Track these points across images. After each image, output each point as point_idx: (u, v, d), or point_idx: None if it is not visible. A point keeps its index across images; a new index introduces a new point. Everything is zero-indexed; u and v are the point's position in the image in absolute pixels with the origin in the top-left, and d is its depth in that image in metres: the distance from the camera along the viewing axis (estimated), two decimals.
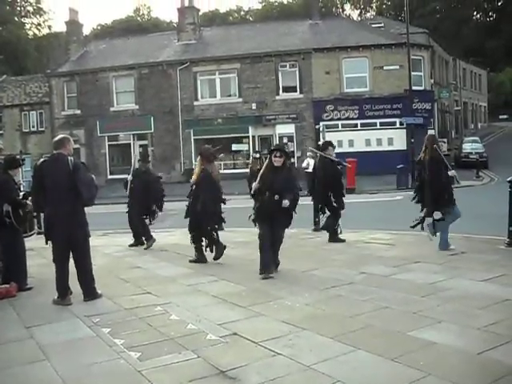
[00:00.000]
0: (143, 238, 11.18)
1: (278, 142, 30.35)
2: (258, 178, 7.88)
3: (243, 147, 33.78)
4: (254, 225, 8.05)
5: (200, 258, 9.11)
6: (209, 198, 8.93)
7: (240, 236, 11.88)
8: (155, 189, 11.17)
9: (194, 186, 9.21)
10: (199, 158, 9.46)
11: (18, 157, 8.27)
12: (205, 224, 9.00)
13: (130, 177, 11.08)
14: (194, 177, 9.30)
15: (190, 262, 9.08)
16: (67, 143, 6.82)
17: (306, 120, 32.68)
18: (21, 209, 7.34)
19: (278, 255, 8.04)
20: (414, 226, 9.36)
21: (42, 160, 6.84)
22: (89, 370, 4.51)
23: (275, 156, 7.86)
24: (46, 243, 6.78)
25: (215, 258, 9.01)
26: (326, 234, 11.66)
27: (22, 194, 7.60)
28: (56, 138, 6.96)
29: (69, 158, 6.62)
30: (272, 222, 7.74)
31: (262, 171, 7.98)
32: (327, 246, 10.42)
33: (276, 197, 7.63)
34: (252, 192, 8.03)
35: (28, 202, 7.32)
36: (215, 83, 34.21)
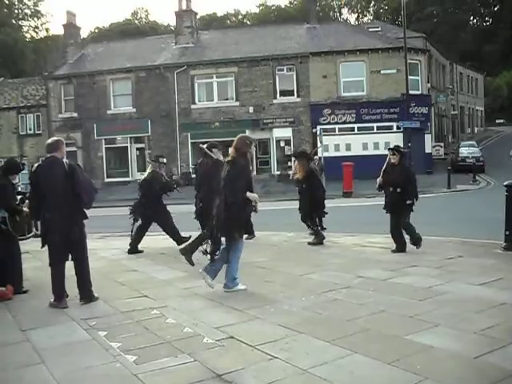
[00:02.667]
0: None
1: (275, 146, 30.46)
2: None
3: None
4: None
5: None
6: None
7: None
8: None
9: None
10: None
11: (18, 161, 8.18)
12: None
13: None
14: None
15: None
16: (61, 146, 6.79)
17: (303, 124, 32.72)
18: (17, 215, 7.27)
19: None
20: None
21: (36, 165, 6.79)
22: (85, 374, 4.49)
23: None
24: (42, 247, 6.76)
25: None
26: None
27: (19, 197, 7.53)
28: (49, 141, 6.90)
29: (64, 160, 6.60)
30: None
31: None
32: (324, 249, 10.41)
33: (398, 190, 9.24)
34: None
35: (24, 208, 7.26)
36: (212, 87, 34.24)
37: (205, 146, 10.55)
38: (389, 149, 9.74)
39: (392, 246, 10.02)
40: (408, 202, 9.28)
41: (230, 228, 6.93)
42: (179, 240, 10.47)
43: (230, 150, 7.17)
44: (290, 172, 10.75)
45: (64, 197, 6.45)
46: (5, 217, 7.13)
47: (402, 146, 29.57)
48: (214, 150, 10.37)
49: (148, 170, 11.36)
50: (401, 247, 9.52)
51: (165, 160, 11.67)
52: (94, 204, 6.88)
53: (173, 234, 10.84)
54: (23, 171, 8.08)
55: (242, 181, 6.91)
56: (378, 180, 9.62)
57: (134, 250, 10.82)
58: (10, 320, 6.25)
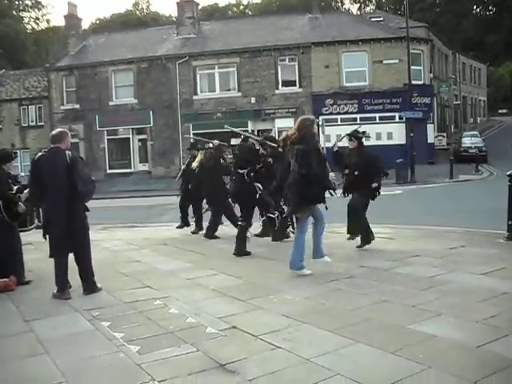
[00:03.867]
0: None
1: (277, 136, 30.35)
2: None
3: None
4: None
5: None
6: None
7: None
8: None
9: None
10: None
11: (9, 149, 8.16)
12: None
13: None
14: None
15: None
16: (65, 137, 6.80)
17: (305, 114, 32.54)
18: (13, 204, 7.26)
19: None
20: None
21: (39, 154, 6.79)
22: (88, 364, 4.51)
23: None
24: (44, 237, 6.77)
25: None
26: (326, 229, 11.67)
27: (15, 187, 7.50)
28: (54, 132, 6.92)
29: (67, 152, 6.60)
30: None
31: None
32: (327, 239, 10.38)
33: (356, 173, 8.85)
34: None
35: (22, 195, 7.25)
36: (214, 77, 34.17)
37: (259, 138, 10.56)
38: (347, 134, 9.45)
39: (395, 237, 10.04)
40: (373, 185, 8.94)
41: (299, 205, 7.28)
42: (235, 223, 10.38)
43: (291, 132, 7.45)
44: None
45: (65, 188, 6.45)
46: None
47: (405, 135, 29.85)
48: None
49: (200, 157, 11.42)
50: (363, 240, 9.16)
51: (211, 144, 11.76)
52: (95, 195, 6.89)
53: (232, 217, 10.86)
54: (25, 163, 8.09)
55: (315, 158, 7.17)
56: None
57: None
58: (14, 311, 6.27)
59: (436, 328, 4.96)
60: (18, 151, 11.62)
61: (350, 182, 9.09)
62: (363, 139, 9.22)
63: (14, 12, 64.19)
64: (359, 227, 9.06)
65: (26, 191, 7.24)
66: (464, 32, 66.34)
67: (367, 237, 9.13)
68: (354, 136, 9.23)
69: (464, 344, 4.59)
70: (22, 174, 9.56)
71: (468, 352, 4.43)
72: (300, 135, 7.23)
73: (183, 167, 12.18)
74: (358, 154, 9.09)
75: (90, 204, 6.86)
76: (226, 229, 11.64)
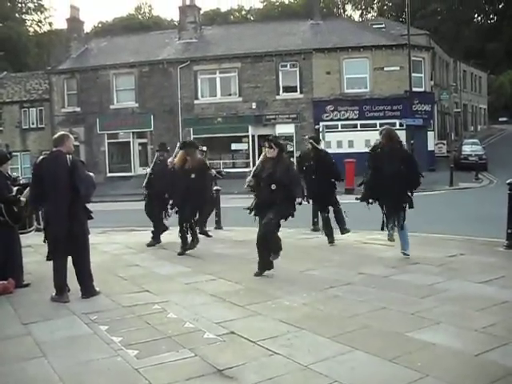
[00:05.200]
0: None
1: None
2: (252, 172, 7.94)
3: (243, 146, 33.80)
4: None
5: None
6: None
7: (238, 235, 11.89)
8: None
9: None
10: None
11: (4, 150, 8.14)
12: None
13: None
14: None
15: None
16: (66, 140, 6.81)
17: (305, 120, 32.68)
18: (14, 205, 7.26)
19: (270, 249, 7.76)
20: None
21: (41, 157, 6.81)
22: (86, 368, 4.50)
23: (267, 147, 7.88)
24: (44, 241, 6.77)
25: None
26: (322, 236, 11.69)
27: (15, 189, 7.49)
28: (55, 136, 6.94)
29: (67, 155, 6.61)
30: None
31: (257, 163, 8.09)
32: (325, 246, 10.41)
33: (273, 186, 7.59)
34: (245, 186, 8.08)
35: (22, 198, 7.25)
36: (215, 82, 34.21)
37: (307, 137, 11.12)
38: (265, 140, 8.14)
39: (394, 244, 10.02)
40: (297, 200, 7.84)
41: None
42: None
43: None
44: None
45: (65, 191, 6.46)
46: (1, 207, 7.11)
47: (405, 142, 29.84)
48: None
49: None
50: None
51: (205, 148, 11.83)
52: (95, 198, 6.90)
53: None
54: (26, 165, 8.09)
55: None
56: (248, 180, 8.03)
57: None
58: (12, 313, 6.26)
59: (435, 336, 4.96)
60: (16, 153, 11.61)
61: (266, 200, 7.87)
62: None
63: (17, 14, 64.28)
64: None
65: (26, 191, 7.24)
66: (465, 40, 66.44)
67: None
68: (274, 142, 7.91)
69: (463, 352, 4.59)
70: (20, 177, 9.51)
71: (467, 360, 4.43)
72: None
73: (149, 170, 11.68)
74: (277, 164, 7.81)
75: (89, 207, 6.86)
76: (226, 233, 11.66)
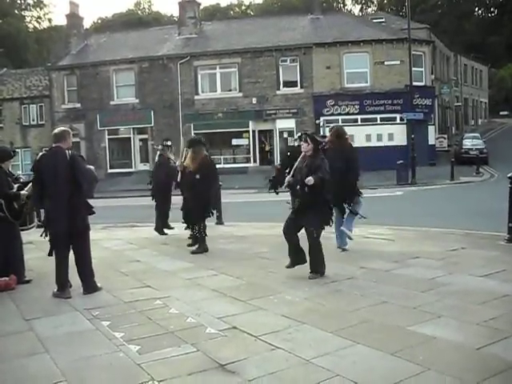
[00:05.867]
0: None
1: (278, 137, 30.53)
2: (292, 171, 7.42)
3: (243, 142, 33.79)
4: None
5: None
6: None
7: (239, 230, 11.89)
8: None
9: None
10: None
11: (8, 148, 8.14)
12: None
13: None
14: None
15: None
16: (68, 136, 6.82)
17: (306, 115, 32.65)
18: (15, 202, 7.27)
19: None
20: None
21: (40, 154, 6.81)
22: (88, 363, 4.51)
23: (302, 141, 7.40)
24: (44, 236, 6.77)
25: None
26: (325, 230, 11.68)
27: (16, 186, 7.50)
28: (56, 131, 6.92)
29: (67, 151, 6.61)
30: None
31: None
32: (326, 240, 10.38)
33: (306, 188, 7.06)
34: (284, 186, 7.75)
35: (22, 192, 7.25)
36: (216, 77, 34.17)
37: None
38: (303, 133, 7.76)
39: (395, 238, 10.04)
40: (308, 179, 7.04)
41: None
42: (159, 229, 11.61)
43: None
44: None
45: (65, 187, 6.46)
46: (1, 204, 7.12)
47: (406, 137, 29.86)
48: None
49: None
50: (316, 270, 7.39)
51: (169, 142, 11.78)
52: (96, 194, 6.91)
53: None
54: (26, 162, 8.09)
55: None
56: (287, 179, 7.65)
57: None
58: (14, 309, 6.27)
59: (436, 330, 4.97)
60: (18, 150, 11.67)
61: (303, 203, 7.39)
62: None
63: (16, 11, 64.28)
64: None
65: (27, 187, 7.25)
66: (466, 34, 66.27)
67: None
68: (310, 137, 7.47)
69: (464, 346, 4.60)
70: (21, 174, 9.49)
71: (468, 354, 4.43)
72: None
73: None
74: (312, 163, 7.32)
75: (90, 203, 6.86)
76: (227, 228, 11.66)
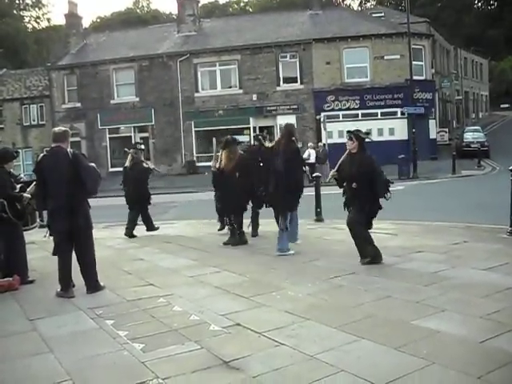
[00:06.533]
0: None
1: (279, 133, 30.43)
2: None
3: (244, 138, 33.72)
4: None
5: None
6: None
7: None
8: None
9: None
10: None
11: (11, 149, 8.17)
12: None
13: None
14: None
15: None
16: (68, 136, 6.84)
17: (306, 111, 32.62)
18: (18, 202, 7.27)
19: None
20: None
21: (42, 155, 6.82)
22: (92, 362, 4.52)
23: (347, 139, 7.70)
24: (48, 236, 6.78)
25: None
26: (327, 225, 11.71)
27: (19, 186, 7.52)
28: (57, 130, 6.90)
29: (68, 150, 6.61)
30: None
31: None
32: (329, 236, 10.41)
33: (354, 185, 7.49)
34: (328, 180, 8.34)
35: (25, 194, 7.26)
36: (215, 75, 34.13)
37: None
38: (347, 132, 7.90)
39: (398, 232, 10.02)
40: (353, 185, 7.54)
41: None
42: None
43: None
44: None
45: (68, 186, 6.46)
46: (4, 205, 7.12)
47: (407, 131, 29.82)
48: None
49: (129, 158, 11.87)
50: (373, 258, 7.65)
51: (142, 146, 12.41)
52: (98, 194, 6.91)
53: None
54: (27, 162, 8.09)
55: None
56: (331, 173, 8.05)
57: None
58: (18, 310, 6.28)
59: (439, 324, 4.96)
60: (19, 150, 11.75)
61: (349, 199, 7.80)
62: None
63: (15, 11, 64.15)
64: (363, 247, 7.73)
65: (29, 187, 7.25)
66: (465, 27, 66.10)
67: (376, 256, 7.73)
68: (355, 135, 7.68)
69: (468, 339, 4.60)
70: (22, 175, 9.49)
71: (472, 347, 4.43)
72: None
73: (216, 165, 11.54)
74: (359, 160, 7.58)
75: (92, 202, 6.87)
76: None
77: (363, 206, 7.51)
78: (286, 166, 8.44)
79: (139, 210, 11.62)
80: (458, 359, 4.18)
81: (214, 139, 10.48)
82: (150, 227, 11.78)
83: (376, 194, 7.52)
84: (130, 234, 11.53)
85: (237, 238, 9.83)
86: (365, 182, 7.43)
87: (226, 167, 9.83)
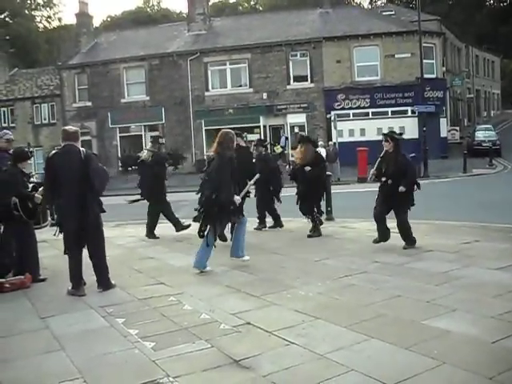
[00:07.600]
0: None
1: (289, 132, 30.49)
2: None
3: (255, 137, 33.72)
4: None
5: None
6: None
7: (252, 225, 11.87)
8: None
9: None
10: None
11: (26, 149, 8.23)
12: None
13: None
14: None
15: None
16: (79, 136, 6.88)
17: (317, 109, 32.56)
18: (29, 201, 7.32)
19: None
20: None
21: (53, 152, 6.85)
22: (103, 360, 4.55)
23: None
24: (58, 234, 6.81)
25: None
26: (338, 224, 11.69)
27: (31, 185, 7.57)
28: (69, 130, 6.93)
29: (81, 149, 6.65)
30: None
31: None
32: (339, 235, 10.40)
33: (389, 181, 8.46)
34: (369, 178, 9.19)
35: (37, 194, 7.31)
36: (226, 73, 34.16)
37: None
38: (383, 134, 8.93)
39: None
40: (400, 188, 8.36)
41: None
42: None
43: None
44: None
45: (79, 184, 6.49)
46: (16, 203, 7.16)
47: (418, 130, 29.65)
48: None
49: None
50: (410, 243, 8.67)
51: (164, 140, 12.38)
52: (108, 192, 6.94)
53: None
54: (39, 161, 8.16)
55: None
56: (371, 172, 8.94)
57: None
58: (29, 308, 6.33)
59: (450, 323, 4.95)
60: (33, 150, 11.86)
61: (386, 195, 8.63)
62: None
63: (26, 11, 64.44)
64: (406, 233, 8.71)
65: (41, 188, 7.30)
66: (477, 24, 65.58)
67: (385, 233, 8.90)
68: (390, 136, 8.62)
69: (479, 339, 4.57)
70: (34, 173, 9.56)
71: (483, 348, 4.41)
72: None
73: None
74: (394, 159, 8.52)
75: (102, 200, 6.89)
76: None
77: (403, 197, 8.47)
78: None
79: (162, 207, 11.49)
80: (469, 359, 4.16)
81: (282, 140, 11.04)
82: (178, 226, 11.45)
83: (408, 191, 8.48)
84: (179, 226, 11.36)
85: (319, 230, 10.35)
86: (399, 180, 8.38)
87: (296, 160, 10.67)
